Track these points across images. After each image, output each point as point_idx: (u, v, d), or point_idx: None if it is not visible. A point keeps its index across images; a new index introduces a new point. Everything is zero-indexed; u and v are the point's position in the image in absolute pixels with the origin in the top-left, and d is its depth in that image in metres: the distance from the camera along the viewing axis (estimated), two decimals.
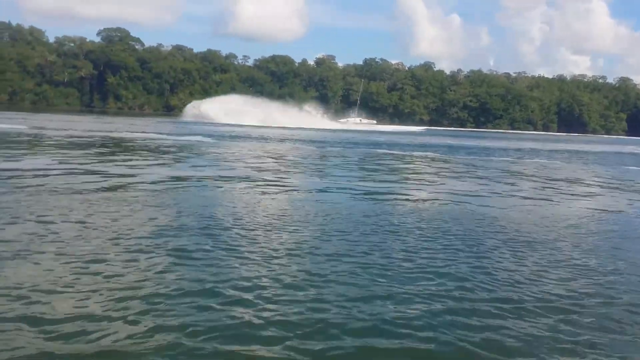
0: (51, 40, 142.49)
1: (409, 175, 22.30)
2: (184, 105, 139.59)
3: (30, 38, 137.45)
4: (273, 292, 6.80)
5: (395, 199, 14.94)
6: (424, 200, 15.09)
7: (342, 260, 8.34)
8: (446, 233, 10.52)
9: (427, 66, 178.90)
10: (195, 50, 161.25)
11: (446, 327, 6.04)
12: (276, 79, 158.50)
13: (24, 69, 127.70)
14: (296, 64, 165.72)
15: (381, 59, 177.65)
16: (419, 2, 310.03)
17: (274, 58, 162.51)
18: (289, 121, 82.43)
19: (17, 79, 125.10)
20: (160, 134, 42.32)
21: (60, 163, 19.13)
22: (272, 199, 13.80)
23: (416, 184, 19.41)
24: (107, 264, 7.56)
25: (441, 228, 10.96)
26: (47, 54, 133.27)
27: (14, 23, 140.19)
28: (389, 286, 7.21)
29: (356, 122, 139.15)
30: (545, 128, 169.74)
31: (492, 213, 13.19)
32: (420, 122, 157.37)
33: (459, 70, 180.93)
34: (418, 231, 10.54)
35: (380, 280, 7.45)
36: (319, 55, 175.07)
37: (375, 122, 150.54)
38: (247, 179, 17.47)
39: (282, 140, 42.39)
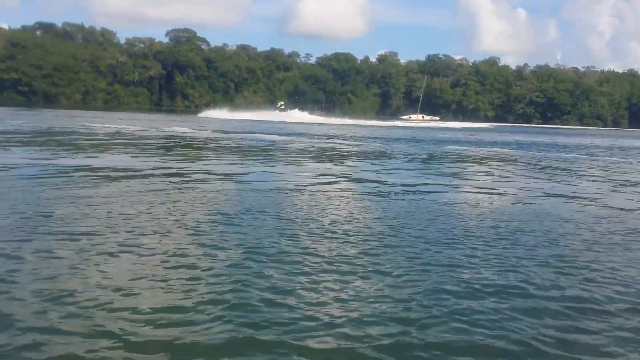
0: (122, 41, 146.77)
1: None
2: (248, 103, 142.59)
3: (102, 39, 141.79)
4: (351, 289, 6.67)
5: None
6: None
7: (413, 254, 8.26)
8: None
9: (492, 61, 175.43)
10: (259, 50, 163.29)
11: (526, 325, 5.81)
12: (338, 76, 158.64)
13: (96, 69, 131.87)
14: (358, 61, 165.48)
15: (444, 55, 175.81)
16: None
17: (336, 56, 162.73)
18: None
19: (89, 79, 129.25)
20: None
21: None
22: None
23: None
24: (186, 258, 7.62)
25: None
26: (118, 54, 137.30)
27: (86, 25, 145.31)
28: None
29: (418, 119, 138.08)
30: (616, 124, 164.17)
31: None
32: (485, 119, 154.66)
33: (525, 65, 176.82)
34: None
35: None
36: (381, 52, 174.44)
37: (438, 118, 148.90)
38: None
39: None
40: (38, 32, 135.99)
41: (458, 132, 69.82)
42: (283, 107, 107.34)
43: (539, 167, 24.79)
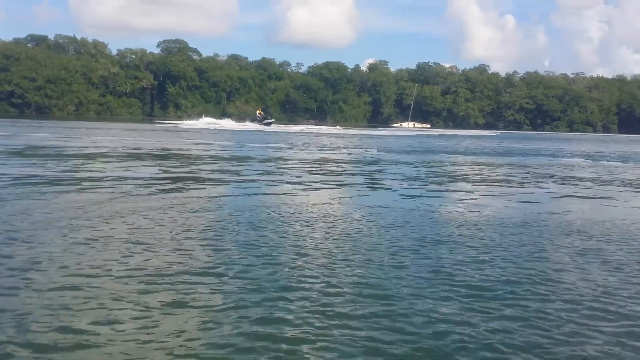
0: (114, 52, 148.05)
1: None
2: (240, 112, 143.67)
3: (94, 51, 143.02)
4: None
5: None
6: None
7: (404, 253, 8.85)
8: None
9: (482, 69, 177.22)
10: (250, 59, 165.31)
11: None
12: (329, 85, 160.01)
13: (88, 80, 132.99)
14: (349, 70, 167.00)
15: (434, 63, 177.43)
16: (472, 4, 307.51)
17: (327, 64, 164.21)
18: None
19: (82, 91, 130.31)
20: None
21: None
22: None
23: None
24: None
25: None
26: (110, 66, 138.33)
27: (78, 37, 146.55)
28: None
29: (409, 127, 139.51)
30: (605, 129, 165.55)
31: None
32: (475, 126, 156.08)
33: (515, 72, 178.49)
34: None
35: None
36: (372, 60, 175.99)
37: (429, 126, 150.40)
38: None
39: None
40: (30, 45, 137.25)
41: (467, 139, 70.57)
42: (262, 116, 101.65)
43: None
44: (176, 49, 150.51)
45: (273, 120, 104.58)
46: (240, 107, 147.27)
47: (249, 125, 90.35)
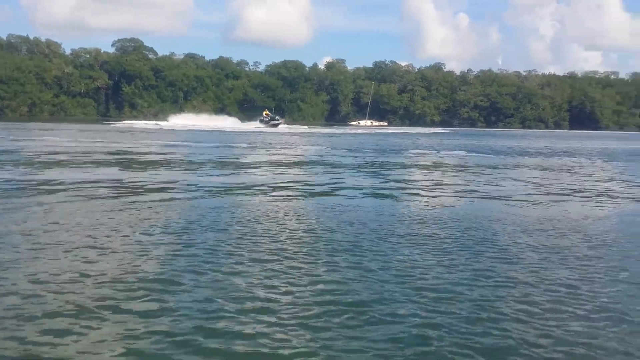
0: (67, 52, 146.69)
1: None
2: (198, 112, 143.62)
3: (47, 51, 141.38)
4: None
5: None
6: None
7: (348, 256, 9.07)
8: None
9: (437, 67, 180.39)
10: (207, 58, 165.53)
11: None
12: (287, 84, 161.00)
13: (42, 81, 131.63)
14: (307, 69, 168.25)
15: (391, 61, 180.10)
16: (427, 3, 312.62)
17: (284, 63, 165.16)
18: None
19: (35, 91, 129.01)
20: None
21: None
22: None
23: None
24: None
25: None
26: (64, 65, 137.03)
27: (31, 37, 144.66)
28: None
29: (367, 125, 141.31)
30: (557, 126, 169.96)
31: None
32: (432, 124, 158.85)
33: (469, 70, 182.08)
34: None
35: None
36: (329, 59, 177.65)
37: (386, 124, 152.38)
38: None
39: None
40: None
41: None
42: (268, 118, 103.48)
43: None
44: (131, 48, 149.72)
45: (280, 121, 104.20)
46: (197, 106, 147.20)
47: (256, 126, 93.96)
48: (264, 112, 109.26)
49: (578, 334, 6.00)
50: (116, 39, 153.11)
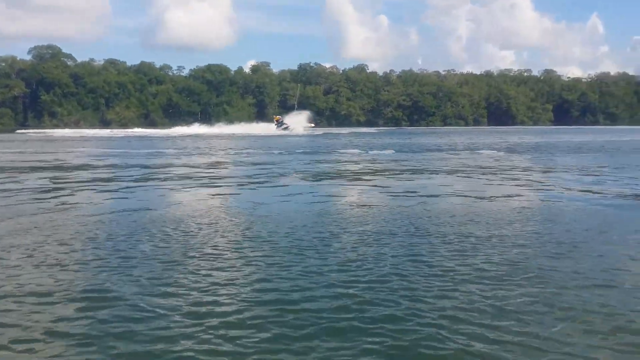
0: None
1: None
2: (121, 118, 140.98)
3: None
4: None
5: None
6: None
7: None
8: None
9: (361, 68, 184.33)
10: (128, 63, 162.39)
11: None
12: (213, 88, 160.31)
13: None
14: (232, 72, 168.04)
15: (315, 63, 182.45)
16: (347, 5, 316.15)
17: (209, 67, 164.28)
18: None
19: None
20: None
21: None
22: None
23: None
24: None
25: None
26: None
27: None
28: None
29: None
30: (476, 122, 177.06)
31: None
32: (357, 124, 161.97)
33: (391, 71, 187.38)
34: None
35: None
36: (254, 62, 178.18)
37: (313, 125, 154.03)
38: None
39: None
40: None
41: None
42: (279, 122, 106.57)
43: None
44: (49, 54, 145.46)
45: (287, 125, 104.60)
46: (120, 112, 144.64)
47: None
48: (275, 118, 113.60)
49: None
50: (32, 46, 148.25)
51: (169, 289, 7.20)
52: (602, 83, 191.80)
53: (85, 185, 19.53)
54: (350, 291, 7.08)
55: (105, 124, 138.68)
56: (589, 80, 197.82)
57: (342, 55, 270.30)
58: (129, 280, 7.64)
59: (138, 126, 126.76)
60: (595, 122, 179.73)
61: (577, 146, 49.48)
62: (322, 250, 9.31)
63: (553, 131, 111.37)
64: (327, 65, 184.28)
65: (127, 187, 18.67)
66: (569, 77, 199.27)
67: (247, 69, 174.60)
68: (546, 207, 14.11)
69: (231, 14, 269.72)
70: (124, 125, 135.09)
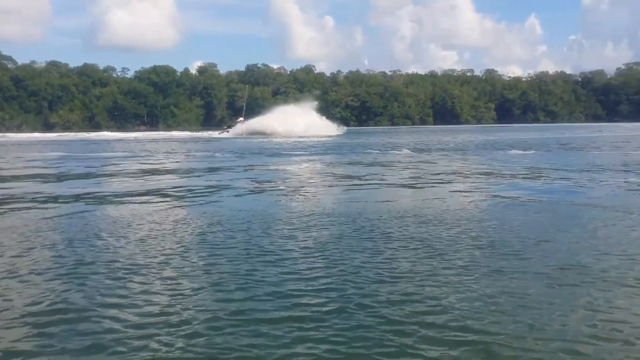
0: None
1: None
2: (65, 122, 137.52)
3: None
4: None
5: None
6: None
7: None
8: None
9: (308, 69, 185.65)
10: (71, 65, 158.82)
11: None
12: (159, 89, 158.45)
13: None
14: (178, 74, 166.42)
15: (263, 64, 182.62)
16: (292, 6, 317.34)
17: (154, 69, 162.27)
18: None
19: None
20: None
21: None
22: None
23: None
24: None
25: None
26: None
27: None
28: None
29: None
30: (422, 122, 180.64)
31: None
32: None
33: (339, 72, 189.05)
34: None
35: None
36: (200, 63, 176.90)
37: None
38: None
39: None
40: None
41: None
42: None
43: None
44: None
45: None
46: (64, 116, 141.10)
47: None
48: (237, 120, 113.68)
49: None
50: None
51: (113, 300, 6.73)
52: (541, 82, 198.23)
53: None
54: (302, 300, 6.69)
55: (48, 127, 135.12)
56: (529, 79, 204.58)
57: (289, 56, 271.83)
58: (75, 291, 7.09)
59: (83, 130, 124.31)
60: (536, 120, 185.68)
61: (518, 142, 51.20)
62: (268, 259, 8.62)
63: (496, 129, 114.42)
64: (275, 66, 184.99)
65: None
66: (509, 77, 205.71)
67: (193, 70, 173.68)
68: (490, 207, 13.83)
69: (175, 14, 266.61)
70: (67, 128, 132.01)
